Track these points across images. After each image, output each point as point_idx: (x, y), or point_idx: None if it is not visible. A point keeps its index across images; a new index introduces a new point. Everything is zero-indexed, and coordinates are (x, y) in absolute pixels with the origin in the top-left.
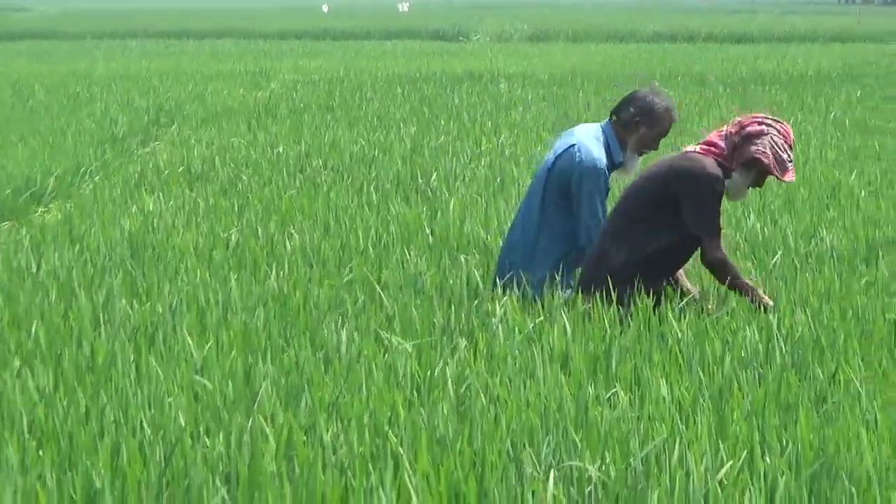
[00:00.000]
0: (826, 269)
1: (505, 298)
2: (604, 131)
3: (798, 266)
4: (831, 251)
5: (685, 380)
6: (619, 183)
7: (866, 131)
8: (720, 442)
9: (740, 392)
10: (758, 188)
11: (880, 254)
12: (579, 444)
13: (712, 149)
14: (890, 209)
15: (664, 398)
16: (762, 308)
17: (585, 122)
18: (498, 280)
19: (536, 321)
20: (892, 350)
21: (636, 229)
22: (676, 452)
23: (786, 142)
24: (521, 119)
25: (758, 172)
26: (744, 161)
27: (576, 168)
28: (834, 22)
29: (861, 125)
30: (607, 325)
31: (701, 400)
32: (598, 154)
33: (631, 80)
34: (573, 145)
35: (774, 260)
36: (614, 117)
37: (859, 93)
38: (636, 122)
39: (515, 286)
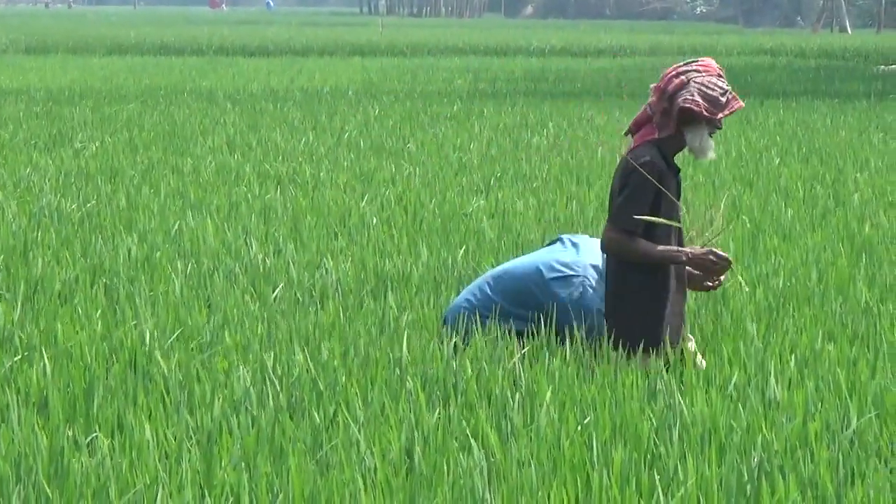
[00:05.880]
0: (330, 304)
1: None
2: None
3: (300, 300)
4: (337, 284)
5: (171, 423)
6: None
7: (383, 153)
8: (206, 490)
9: (231, 437)
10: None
11: (389, 287)
12: (51, 495)
13: (645, 133)
14: (403, 237)
15: (148, 443)
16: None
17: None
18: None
19: (14, 359)
20: (395, 392)
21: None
22: (158, 502)
23: (710, 74)
24: (10, 138)
25: (706, 121)
26: (682, 120)
27: (577, 303)
28: (356, 34)
29: (378, 146)
30: (91, 362)
31: (188, 445)
32: (602, 299)
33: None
34: (580, 276)
35: (275, 293)
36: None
37: (378, 111)
38: None
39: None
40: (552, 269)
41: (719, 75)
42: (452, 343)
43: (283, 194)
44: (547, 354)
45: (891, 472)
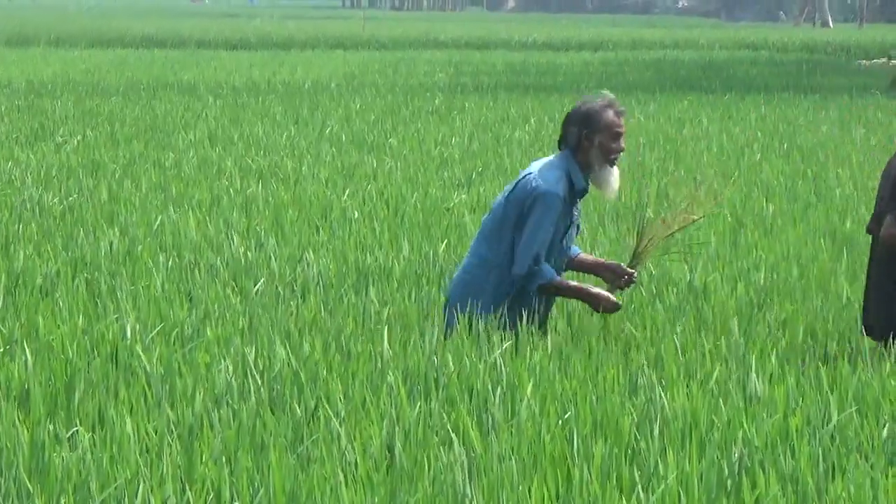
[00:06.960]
0: (311, 298)
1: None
2: (562, 162)
3: (281, 294)
4: (318, 278)
5: (153, 418)
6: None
7: (364, 147)
8: (187, 485)
9: (212, 431)
10: None
11: (370, 281)
12: (32, 489)
13: None
14: (384, 231)
15: (129, 437)
16: None
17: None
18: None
19: None
20: (377, 387)
21: None
22: (139, 497)
23: None
24: None
25: None
26: None
27: (530, 195)
28: (337, 28)
29: (359, 141)
30: (72, 356)
31: (169, 439)
32: (557, 180)
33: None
34: (529, 174)
35: (257, 287)
36: (564, 148)
37: (359, 105)
38: (585, 137)
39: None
40: (507, 189)
41: None
42: (434, 336)
43: (264, 188)
44: (528, 349)
45: (871, 468)
